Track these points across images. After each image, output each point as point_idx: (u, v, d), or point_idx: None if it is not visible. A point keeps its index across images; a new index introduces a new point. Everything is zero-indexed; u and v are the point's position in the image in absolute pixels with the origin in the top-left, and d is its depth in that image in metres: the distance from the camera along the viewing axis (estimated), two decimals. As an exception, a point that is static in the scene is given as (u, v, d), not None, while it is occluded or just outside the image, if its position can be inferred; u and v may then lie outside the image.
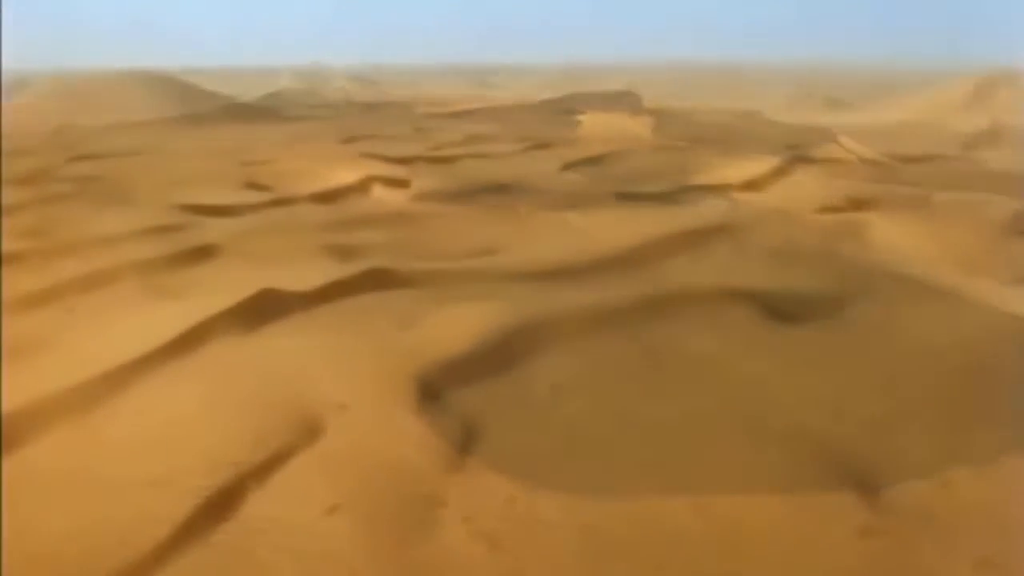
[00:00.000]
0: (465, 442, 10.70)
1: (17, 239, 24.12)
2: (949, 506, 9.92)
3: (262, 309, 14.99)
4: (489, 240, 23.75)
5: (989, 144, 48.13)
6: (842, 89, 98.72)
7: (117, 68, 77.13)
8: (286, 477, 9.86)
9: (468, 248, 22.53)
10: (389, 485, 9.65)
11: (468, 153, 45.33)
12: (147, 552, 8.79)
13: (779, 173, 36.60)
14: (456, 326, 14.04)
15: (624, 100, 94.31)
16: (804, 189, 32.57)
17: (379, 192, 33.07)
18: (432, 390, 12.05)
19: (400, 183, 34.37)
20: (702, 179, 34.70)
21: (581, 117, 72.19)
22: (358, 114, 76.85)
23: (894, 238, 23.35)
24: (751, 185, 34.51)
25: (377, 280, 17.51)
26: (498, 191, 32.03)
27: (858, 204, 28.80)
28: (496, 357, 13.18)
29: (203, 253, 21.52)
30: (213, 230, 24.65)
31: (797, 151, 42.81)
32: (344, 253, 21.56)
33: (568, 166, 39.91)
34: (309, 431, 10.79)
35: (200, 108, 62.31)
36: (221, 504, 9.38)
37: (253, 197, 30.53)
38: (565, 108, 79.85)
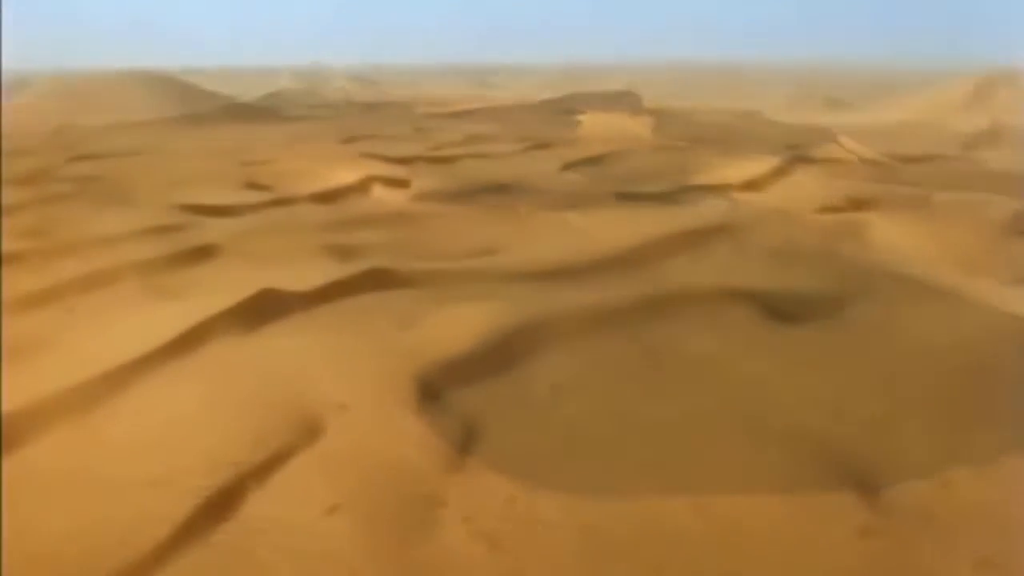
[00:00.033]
0: (465, 442, 10.70)
1: (17, 239, 24.12)
2: (949, 506, 9.92)
3: (262, 309, 14.99)
4: (489, 240, 23.75)
5: (989, 144, 48.15)
6: (842, 89, 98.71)
7: (117, 68, 77.13)
8: (286, 477, 9.86)
9: (468, 248, 22.53)
10: (389, 485, 9.65)
11: (468, 153, 45.33)
12: (147, 552, 8.79)
13: (779, 173, 36.60)
14: (456, 326, 14.03)
15: (624, 100, 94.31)
16: (804, 189, 32.58)
17: (379, 192, 33.07)
18: (432, 390, 12.05)
19: (400, 183, 34.37)
20: (702, 179, 34.71)
21: (581, 117, 72.22)
22: (358, 114, 76.86)
23: (894, 238, 23.36)
24: (751, 185, 34.52)
25: (377, 280, 17.50)
26: (498, 191, 32.03)
27: (858, 204, 28.80)
28: (496, 357, 13.18)
29: (203, 253, 21.52)
30: (213, 230, 24.64)
31: (797, 151, 42.81)
32: (344, 253, 21.56)
33: (568, 166, 39.91)
34: (309, 431, 10.79)
35: (200, 108, 62.31)
36: (221, 504, 9.38)
37: (253, 197, 30.53)
38: (565, 108, 79.86)
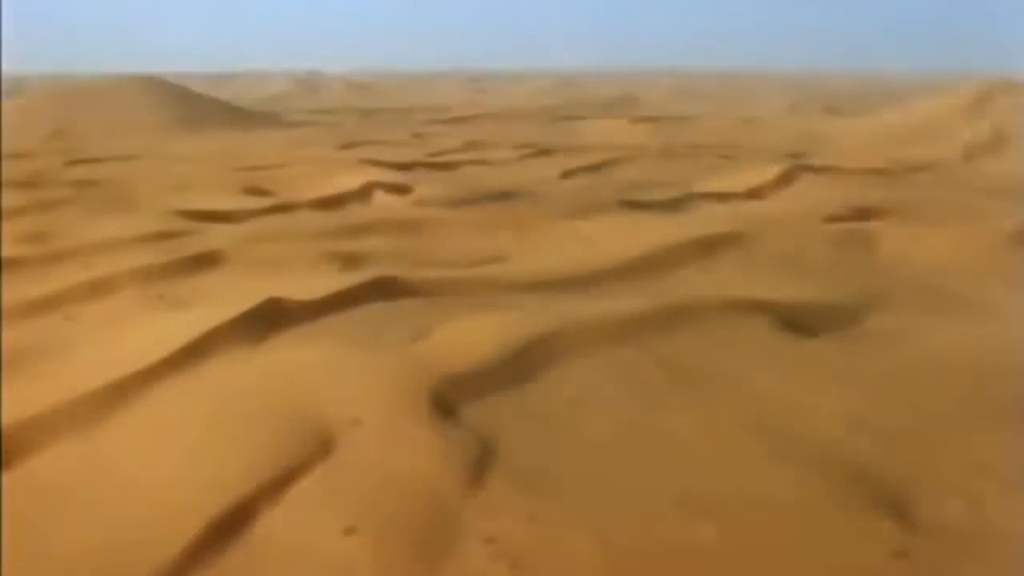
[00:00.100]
0: (482, 458, 10.39)
1: (15, 244, 23.77)
2: (980, 526, 9.65)
3: (268, 319, 14.67)
4: (495, 248, 23.49)
5: (991, 152, 48.07)
6: (841, 97, 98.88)
7: (115, 72, 76.81)
8: (299, 496, 9.52)
9: (474, 256, 22.26)
10: (406, 504, 9.33)
11: (468, 159, 45.11)
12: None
13: (782, 181, 36.45)
14: (470, 338, 13.73)
15: (624, 107, 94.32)
16: (808, 197, 32.43)
17: (380, 198, 32.80)
18: (447, 404, 11.74)
19: (401, 189, 34.11)
20: (706, 187, 34.51)
21: (582, 124, 72.23)
22: (356, 119, 76.69)
23: (903, 247, 23.14)
24: (755, 193, 34.36)
25: (384, 289, 17.20)
26: (501, 198, 31.79)
27: (864, 213, 28.63)
28: (511, 370, 12.88)
29: (205, 261, 21.17)
30: (215, 237, 24.32)
31: (799, 159, 42.73)
32: (348, 261, 21.26)
33: (570, 173, 39.76)
34: (322, 447, 10.47)
35: (198, 112, 61.97)
36: (231, 525, 9.04)
37: (254, 203, 30.22)
38: (565, 115, 79.86)
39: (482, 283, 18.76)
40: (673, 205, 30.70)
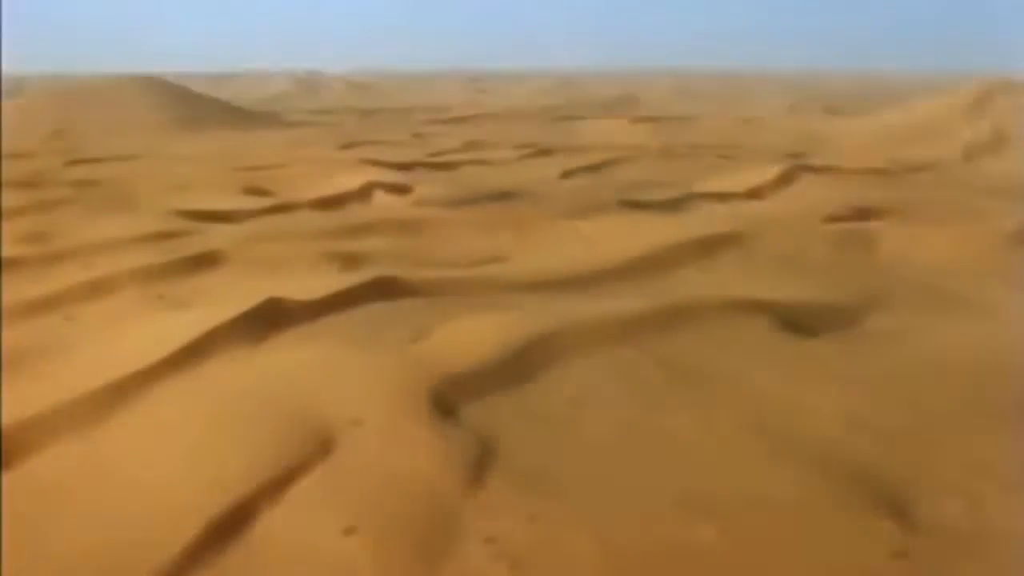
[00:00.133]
0: (482, 458, 10.40)
1: (15, 244, 23.78)
2: (980, 526, 9.66)
3: (268, 319, 14.67)
4: (495, 248, 23.50)
5: (991, 152, 48.07)
6: (843, 97, 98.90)
7: (114, 72, 76.80)
8: (299, 496, 9.52)
9: (474, 256, 22.26)
10: (406, 504, 9.33)
11: (468, 159, 45.11)
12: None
13: (782, 181, 36.45)
14: (470, 338, 13.74)
15: (624, 107, 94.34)
16: (808, 197, 32.44)
17: (380, 198, 32.81)
18: (447, 404, 11.75)
19: (401, 189, 34.12)
20: (706, 187, 34.52)
21: (582, 124, 72.20)
22: (356, 119, 76.69)
23: (903, 247, 23.14)
24: (755, 193, 34.36)
25: (384, 289, 17.21)
26: (501, 198, 31.80)
27: (864, 213, 28.64)
28: (511, 370, 12.89)
29: (205, 261, 21.17)
30: (215, 237, 24.32)
31: (800, 159, 42.73)
32: (348, 261, 21.27)
33: (570, 173, 39.76)
34: (322, 447, 10.47)
35: (198, 112, 61.98)
36: (231, 524, 9.04)
37: (254, 203, 30.22)
38: (564, 115, 79.86)
39: (482, 283, 18.76)
40: (673, 205, 30.71)
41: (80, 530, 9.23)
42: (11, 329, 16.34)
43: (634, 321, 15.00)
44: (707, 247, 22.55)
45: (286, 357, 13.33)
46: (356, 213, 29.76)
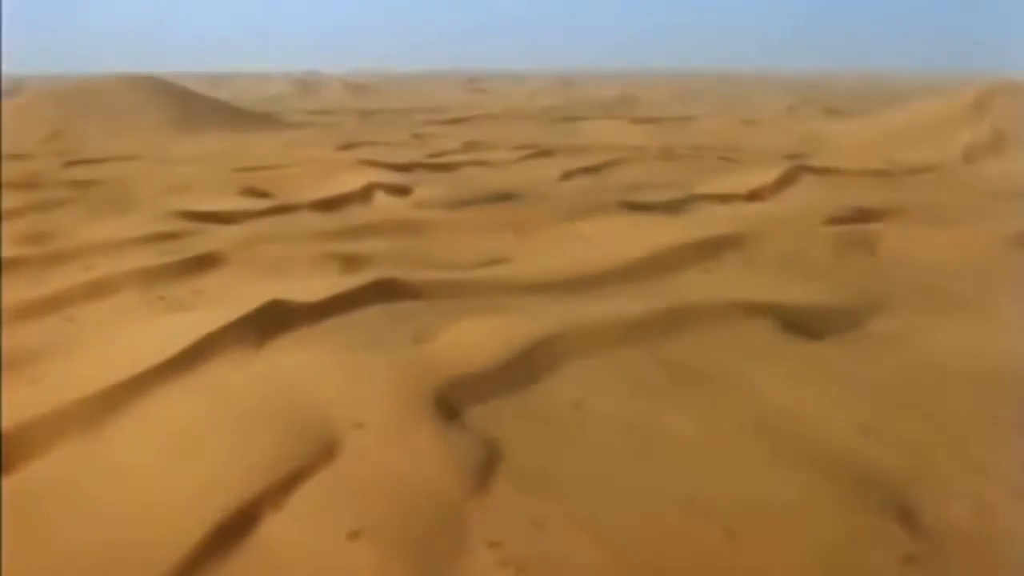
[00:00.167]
0: (486, 462, 10.32)
1: (15, 245, 23.67)
2: (988, 531, 9.59)
3: (270, 321, 14.58)
4: (496, 249, 23.42)
5: (991, 153, 48.03)
6: (843, 98, 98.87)
7: (113, 72, 76.62)
8: (304, 500, 9.44)
9: (475, 258, 22.18)
10: (411, 509, 9.25)
11: (468, 160, 45.01)
12: (158, 579, 8.38)
13: (783, 183, 36.39)
14: (473, 341, 13.66)
15: (624, 107, 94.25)
16: (809, 199, 32.37)
17: (380, 199, 32.71)
18: (451, 408, 11.68)
19: (402, 190, 34.02)
20: (707, 188, 34.43)
21: (582, 124, 72.09)
22: (355, 120, 76.54)
23: (905, 249, 23.08)
24: (756, 195, 34.28)
25: (385, 291, 17.12)
26: (501, 199, 31.71)
27: (865, 214, 28.58)
28: (515, 373, 12.82)
29: (206, 262, 21.08)
30: (215, 238, 24.22)
31: (800, 160, 42.65)
32: (349, 262, 21.18)
33: (570, 174, 39.66)
34: (326, 451, 10.39)
35: (197, 113, 61.85)
36: (236, 529, 8.95)
37: (254, 204, 30.12)
38: (564, 115, 79.74)
39: (484, 285, 18.68)
40: (674, 206, 30.62)
41: (81, 536, 9.14)
42: (11, 330, 16.24)
43: (637, 323, 14.93)
44: (709, 249, 22.48)
45: (288, 360, 13.24)
46: (356, 214, 29.67)
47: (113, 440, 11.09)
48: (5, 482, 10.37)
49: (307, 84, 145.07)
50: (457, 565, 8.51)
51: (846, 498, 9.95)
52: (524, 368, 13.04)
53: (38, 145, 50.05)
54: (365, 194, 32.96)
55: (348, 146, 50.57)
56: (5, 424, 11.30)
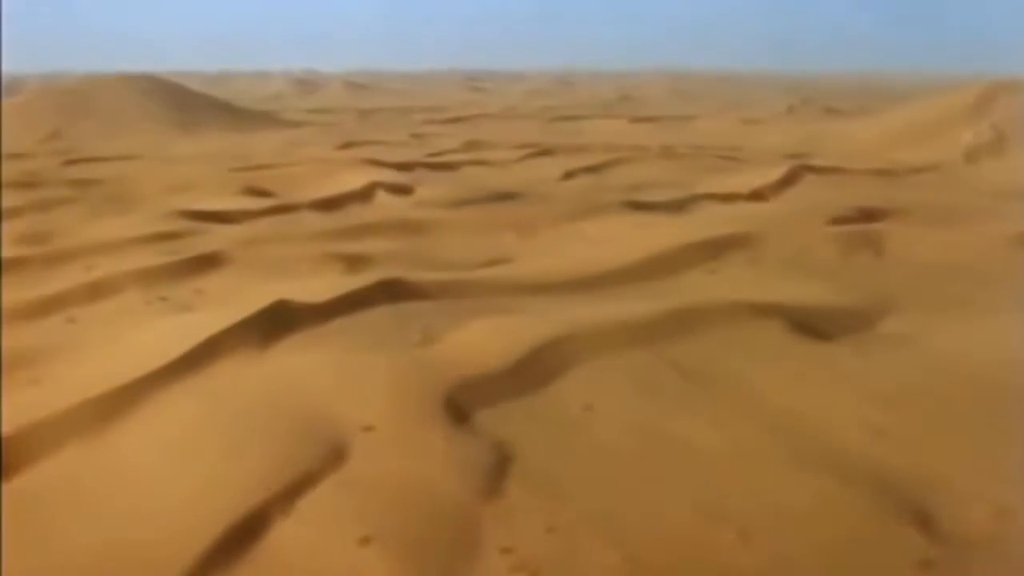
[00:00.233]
0: (498, 465, 10.21)
1: (14, 245, 23.53)
2: (1006, 535, 9.48)
3: (275, 322, 14.44)
4: (499, 249, 23.31)
5: (993, 153, 47.98)
6: (843, 98, 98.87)
7: (112, 71, 76.41)
8: (313, 504, 9.30)
9: (479, 258, 22.07)
10: (422, 514, 9.13)
11: (468, 160, 44.89)
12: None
13: (786, 182, 36.27)
14: (480, 342, 13.55)
15: (623, 106, 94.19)
16: (812, 199, 32.24)
17: (382, 199, 32.58)
18: (460, 410, 11.55)
19: (402, 189, 33.89)
20: (709, 188, 34.28)
21: (581, 124, 71.98)
22: (355, 119, 76.39)
23: (912, 249, 22.98)
24: (758, 194, 34.14)
25: (390, 291, 17.00)
26: (503, 199, 31.60)
27: (869, 214, 28.49)
28: (523, 375, 12.70)
29: (208, 262, 20.96)
30: (217, 238, 24.10)
31: (802, 160, 42.53)
32: (352, 262, 21.07)
33: (571, 174, 39.52)
34: (334, 454, 10.25)
35: (197, 112, 61.67)
36: (244, 534, 8.81)
37: (255, 203, 30.01)
38: (564, 114, 79.63)
39: (488, 285, 18.59)
40: (677, 206, 30.51)
41: (87, 539, 9.01)
42: (12, 331, 16.10)
43: (646, 324, 14.82)
44: (714, 249, 22.37)
45: (294, 361, 13.11)
46: (358, 214, 29.58)
47: (118, 443, 10.96)
48: (10, 485, 10.23)
49: (306, 83, 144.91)
50: (470, 571, 8.39)
51: (862, 502, 9.84)
52: (533, 370, 12.91)
53: (37, 144, 49.86)
54: (366, 193, 32.85)
55: (348, 145, 50.45)
56: (9, 426, 11.15)
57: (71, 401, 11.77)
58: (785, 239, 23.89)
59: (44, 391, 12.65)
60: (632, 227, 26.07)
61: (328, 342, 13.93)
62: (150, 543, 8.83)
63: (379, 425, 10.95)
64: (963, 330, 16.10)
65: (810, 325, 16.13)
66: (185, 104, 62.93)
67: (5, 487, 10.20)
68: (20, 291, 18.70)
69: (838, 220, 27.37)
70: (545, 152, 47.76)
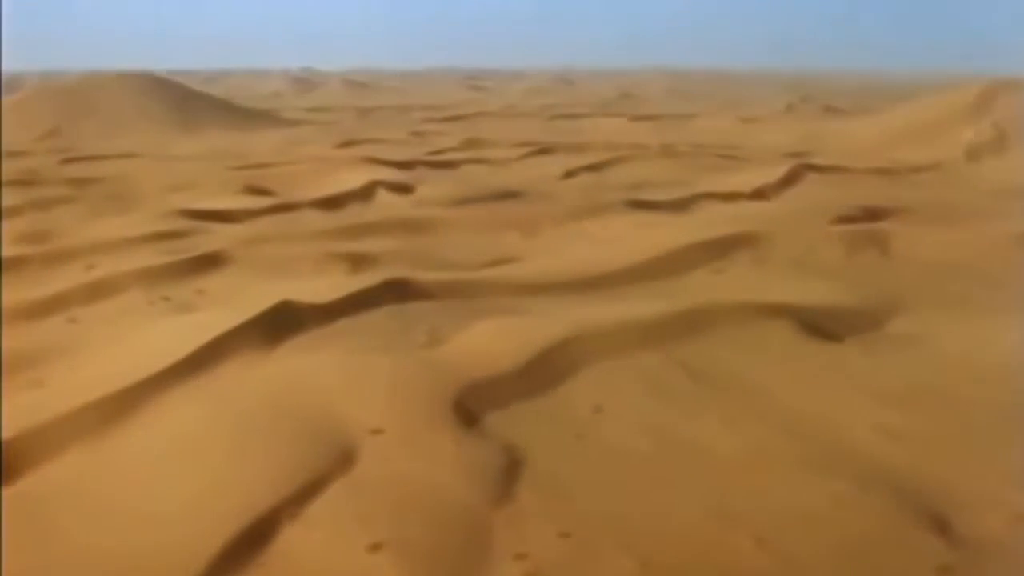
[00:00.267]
0: (509, 469, 10.07)
1: (14, 244, 23.34)
2: (1021, 539, 9.37)
3: (280, 323, 14.29)
4: (502, 249, 23.16)
5: (994, 152, 47.89)
6: (843, 97, 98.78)
7: (111, 69, 76.09)
8: (322, 510, 9.14)
9: (482, 257, 21.92)
10: (433, 519, 8.99)
11: (469, 158, 44.72)
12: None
13: (788, 181, 36.14)
14: (489, 344, 13.41)
15: (623, 105, 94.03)
16: (815, 198, 32.12)
17: (383, 197, 32.41)
18: (470, 412, 11.41)
19: (404, 188, 33.73)
20: (711, 187, 34.12)
21: (581, 122, 71.81)
22: (354, 118, 76.18)
23: (917, 248, 22.85)
24: (760, 193, 34.00)
25: (395, 291, 16.86)
26: (504, 198, 31.45)
27: (873, 213, 28.36)
28: (533, 376, 12.56)
29: (210, 261, 20.79)
30: (218, 237, 23.93)
31: (803, 159, 42.40)
32: (355, 262, 20.91)
33: (572, 172, 39.38)
34: (343, 458, 10.11)
35: (197, 110, 61.44)
36: (252, 541, 8.66)
37: (255, 202, 29.81)
38: (564, 113, 79.47)
39: (493, 285, 18.45)
40: (680, 205, 30.37)
41: (87, 549, 8.86)
42: (13, 331, 15.93)
43: (654, 325, 14.69)
44: (718, 248, 22.24)
45: (300, 363, 12.96)
46: (359, 213, 29.42)
47: (122, 446, 10.80)
48: (13, 488, 10.08)
49: (305, 81, 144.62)
50: (483, 577, 8.25)
51: (877, 505, 9.73)
52: (543, 371, 12.78)
53: (35, 142, 49.64)
54: (367, 192, 32.68)
55: (348, 143, 50.27)
56: (11, 428, 11.00)
57: (74, 403, 11.61)
58: (790, 238, 23.75)
59: (46, 393, 12.49)
60: (635, 226, 25.93)
61: (333, 343, 13.78)
62: (155, 548, 8.68)
63: (387, 428, 10.80)
64: (971, 330, 15.99)
65: (818, 325, 16.02)
66: (184, 103, 62.71)
67: (7, 491, 10.06)
68: (20, 291, 18.53)
69: (842, 219, 27.23)
70: (545, 150, 47.59)
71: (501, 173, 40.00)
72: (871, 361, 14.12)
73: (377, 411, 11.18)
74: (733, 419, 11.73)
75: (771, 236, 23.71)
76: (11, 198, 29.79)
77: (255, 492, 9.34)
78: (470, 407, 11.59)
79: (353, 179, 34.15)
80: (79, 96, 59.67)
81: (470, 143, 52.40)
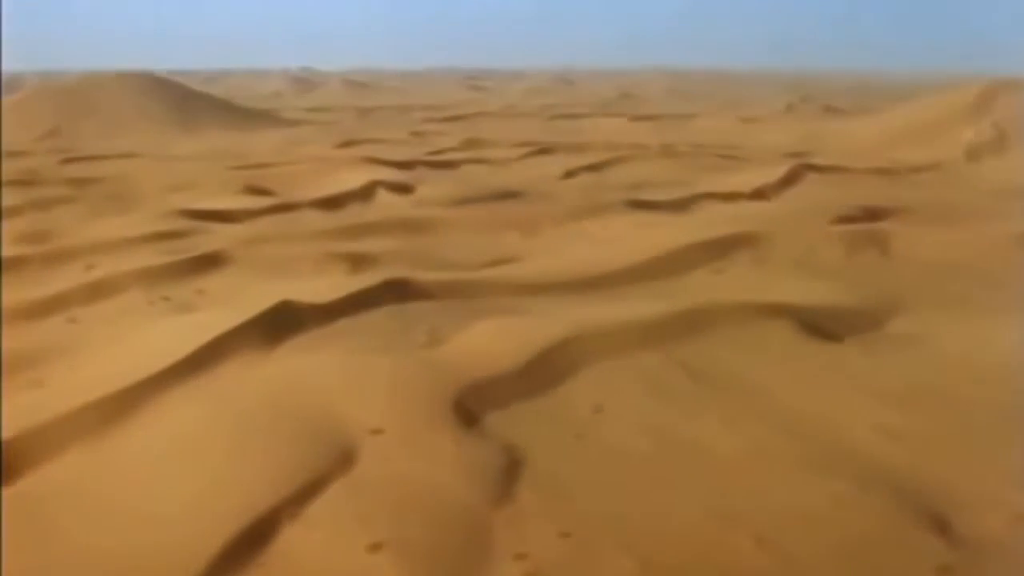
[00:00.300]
0: (509, 469, 10.07)
1: (14, 244, 23.34)
2: (1021, 539, 9.37)
3: (280, 323, 14.29)
4: (503, 249, 23.17)
5: (994, 152, 47.89)
6: (843, 97, 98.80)
7: (110, 69, 76.07)
8: (322, 510, 9.14)
9: (483, 257, 21.93)
10: (434, 519, 8.99)
11: (468, 158, 44.74)
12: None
13: (788, 181, 36.15)
14: (489, 344, 13.41)
15: (623, 105, 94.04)
16: (815, 198, 32.12)
17: (383, 197, 32.42)
18: (470, 412, 11.41)
19: (404, 188, 33.73)
20: (711, 187, 34.12)
21: (581, 122, 71.83)
22: (354, 117, 76.21)
23: (917, 248, 22.85)
24: (760, 193, 34.00)
25: (395, 291, 16.86)
26: (505, 198, 31.46)
27: (873, 213, 28.37)
28: (533, 376, 12.56)
29: (210, 261, 20.79)
30: (218, 237, 23.93)
31: (803, 159, 42.41)
32: (355, 262, 20.91)
33: (572, 172, 39.38)
34: (343, 458, 10.11)
35: (196, 110, 61.43)
36: (252, 542, 8.66)
37: (255, 202, 29.82)
38: (563, 113, 79.50)
39: (493, 285, 18.46)
40: (680, 205, 30.37)
41: (87, 549, 8.86)
42: (13, 331, 15.93)
43: (654, 325, 14.69)
44: (718, 248, 22.24)
45: (301, 363, 12.96)
46: (359, 213, 29.42)
47: (122, 446, 10.80)
48: (13, 488, 10.08)
49: (304, 81, 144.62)
50: (483, 578, 8.25)
51: (877, 505, 9.72)
52: (543, 371, 12.78)
53: (35, 142, 49.64)
54: (367, 192, 32.68)
55: (348, 143, 50.27)
56: (11, 429, 11.00)
57: (74, 403, 11.61)
58: (790, 239, 23.75)
59: (46, 393, 12.49)
60: (635, 226, 25.94)
61: (333, 343, 13.78)
62: (155, 548, 8.68)
63: (387, 428, 10.81)
64: (971, 330, 16.00)
65: (818, 325, 16.02)
66: (184, 103, 62.71)
67: (7, 491, 10.06)
68: (20, 291, 18.53)
69: (842, 219, 27.23)
70: (545, 150, 47.60)
71: (501, 173, 40.00)
72: (871, 361, 14.12)
73: (377, 411, 11.18)
74: (733, 419, 11.73)
75: (771, 236, 23.71)
76: (11, 198, 29.79)
77: (255, 492, 9.34)
78: (470, 407, 11.59)
79: (353, 179, 34.14)
80: (79, 96, 59.67)
81: (470, 143, 52.41)
